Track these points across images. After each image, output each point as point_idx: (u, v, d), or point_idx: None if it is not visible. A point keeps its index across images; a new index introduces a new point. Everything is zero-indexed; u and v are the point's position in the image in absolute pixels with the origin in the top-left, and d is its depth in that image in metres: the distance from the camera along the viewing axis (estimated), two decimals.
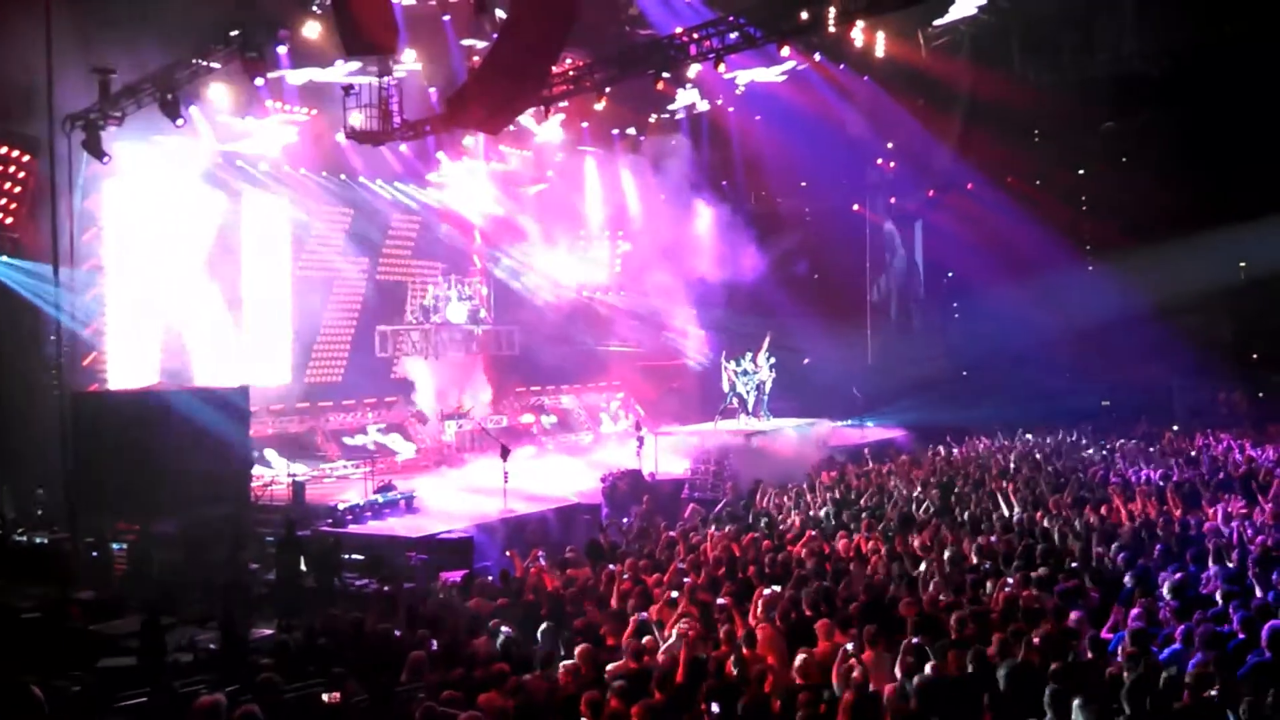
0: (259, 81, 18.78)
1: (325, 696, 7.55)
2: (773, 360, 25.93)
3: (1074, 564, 11.55)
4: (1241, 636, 8.45)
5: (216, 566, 14.89)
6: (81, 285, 20.21)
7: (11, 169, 19.49)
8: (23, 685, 7.29)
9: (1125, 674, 7.69)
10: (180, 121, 19.29)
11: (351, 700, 7.69)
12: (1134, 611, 9.27)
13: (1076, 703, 6.92)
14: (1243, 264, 30.27)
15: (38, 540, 16.71)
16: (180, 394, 19.63)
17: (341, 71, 20.34)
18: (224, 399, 18.98)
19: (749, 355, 25.39)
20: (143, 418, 17.57)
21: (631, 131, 28.55)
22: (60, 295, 18.78)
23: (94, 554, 16.29)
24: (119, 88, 19.29)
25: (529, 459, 22.44)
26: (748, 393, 25.32)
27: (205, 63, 18.74)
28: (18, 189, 19.59)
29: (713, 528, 15.01)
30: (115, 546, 16.31)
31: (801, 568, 11.88)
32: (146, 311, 22.02)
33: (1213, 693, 7.31)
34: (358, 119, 19.53)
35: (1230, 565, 10.99)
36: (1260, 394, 30.27)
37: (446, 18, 22.42)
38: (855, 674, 7.95)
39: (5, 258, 19.00)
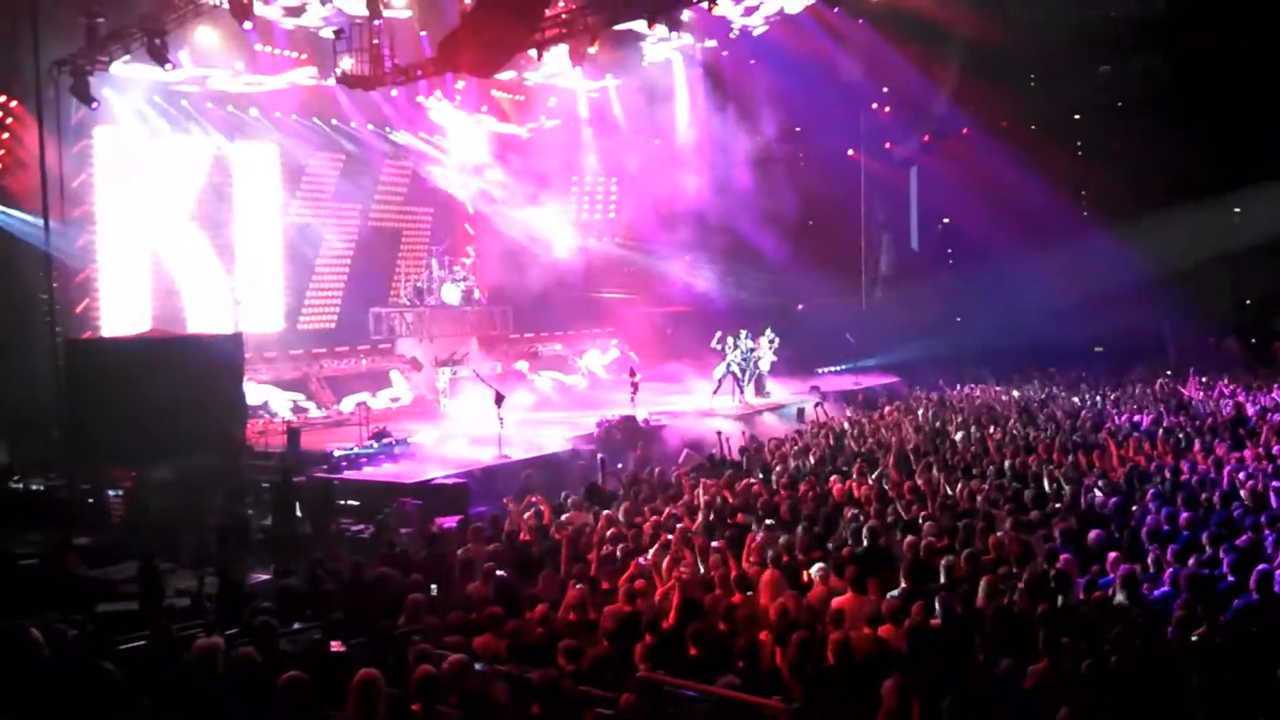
0: (247, 25, 18.57)
1: (332, 645, 7.62)
2: (775, 341, 25.51)
3: (1064, 508, 11.65)
4: (1231, 579, 8.54)
5: (212, 512, 14.93)
6: (72, 232, 20.12)
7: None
8: (21, 628, 7.39)
9: (1113, 617, 7.78)
10: (169, 66, 19.08)
11: (350, 644, 7.76)
12: (1123, 555, 9.38)
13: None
14: (1237, 210, 30.30)
15: (34, 487, 16.77)
16: (174, 341, 19.69)
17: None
18: (217, 346, 18.99)
19: (744, 333, 24.87)
20: (136, 364, 17.59)
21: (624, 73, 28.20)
22: (51, 242, 18.67)
23: (90, 500, 16.32)
24: (106, 32, 19.06)
25: (523, 405, 22.40)
26: (742, 369, 24.82)
27: (193, 4, 18.49)
28: (5, 135, 19.42)
29: (706, 473, 15.06)
30: (111, 493, 16.33)
31: (794, 513, 11.97)
32: (138, 258, 21.94)
33: (1199, 634, 7.42)
34: (348, 63, 19.32)
35: (1219, 509, 11.07)
36: (1254, 340, 30.40)
37: None
38: (847, 617, 8.05)
39: None
